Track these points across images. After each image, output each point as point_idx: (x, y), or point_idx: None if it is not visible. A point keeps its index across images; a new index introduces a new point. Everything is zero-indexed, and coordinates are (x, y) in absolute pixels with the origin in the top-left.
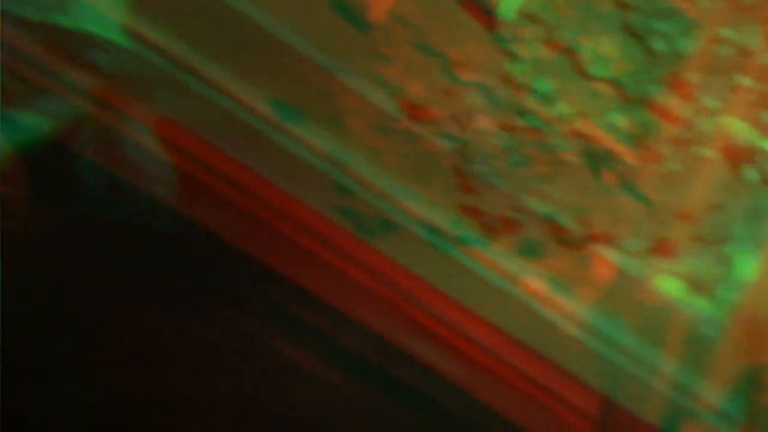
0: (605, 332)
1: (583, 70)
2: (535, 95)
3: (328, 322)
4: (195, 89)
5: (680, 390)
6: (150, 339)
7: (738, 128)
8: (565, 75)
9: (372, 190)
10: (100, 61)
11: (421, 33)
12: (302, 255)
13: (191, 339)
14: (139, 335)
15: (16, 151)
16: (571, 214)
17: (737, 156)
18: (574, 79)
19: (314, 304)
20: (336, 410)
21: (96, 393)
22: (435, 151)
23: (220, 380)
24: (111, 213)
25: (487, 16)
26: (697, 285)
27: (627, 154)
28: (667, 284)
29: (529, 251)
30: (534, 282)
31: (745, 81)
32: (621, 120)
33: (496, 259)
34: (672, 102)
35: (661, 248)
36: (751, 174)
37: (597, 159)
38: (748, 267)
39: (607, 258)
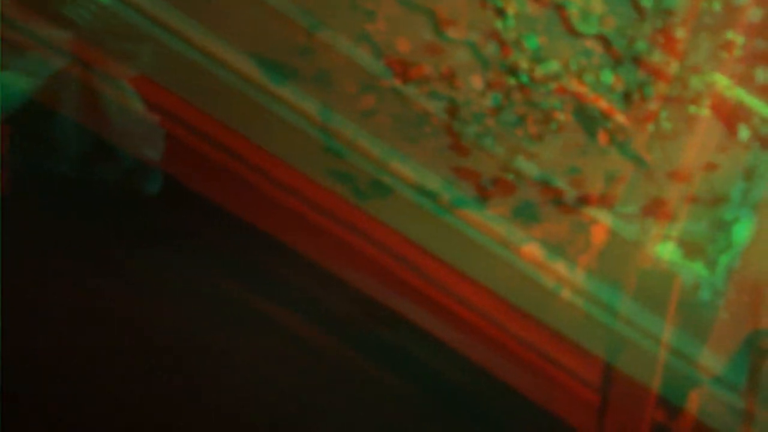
0: (602, 298)
1: (571, 26)
2: (523, 53)
3: (317, 284)
4: (176, 48)
5: (680, 356)
6: (133, 300)
7: (730, 87)
8: (553, 32)
9: (361, 152)
10: (79, 19)
11: None
12: (291, 217)
13: (175, 300)
14: (120, 296)
15: None
16: (565, 175)
17: (731, 115)
18: (562, 36)
19: (303, 266)
20: (322, 372)
21: (77, 347)
22: (425, 111)
23: (205, 342)
24: (93, 173)
25: None
26: (692, 249)
27: (619, 113)
28: (663, 248)
29: (524, 215)
30: (529, 247)
31: (735, 38)
32: (611, 78)
33: (490, 223)
34: (662, 59)
35: (655, 210)
36: (745, 134)
37: (589, 119)
38: (743, 230)
39: (603, 222)
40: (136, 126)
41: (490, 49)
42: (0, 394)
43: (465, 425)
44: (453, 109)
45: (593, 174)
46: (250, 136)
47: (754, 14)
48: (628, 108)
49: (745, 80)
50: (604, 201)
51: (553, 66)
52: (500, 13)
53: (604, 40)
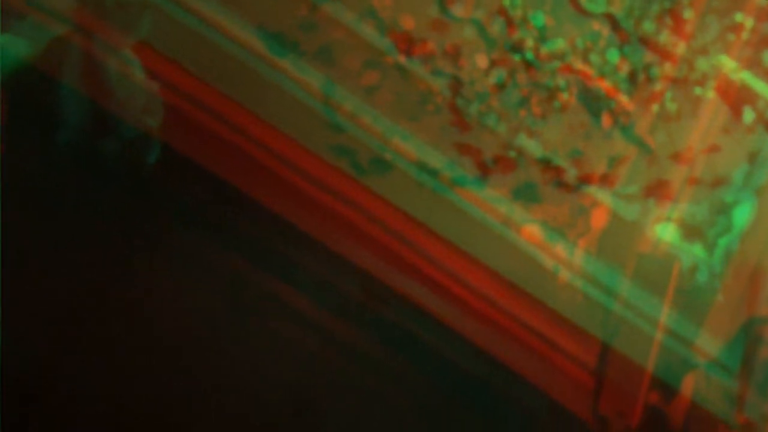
0: (601, 279)
1: (578, 5)
2: (529, 30)
3: (316, 261)
4: (178, 17)
5: (676, 338)
6: (131, 274)
7: (736, 70)
8: (560, 10)
9: (364, 128)
10: None
11: None
12: (291, 192)
13: (173, 277)
14: (118, 267)
15: None
16: (567, 156)
17: (736, 98)
18: (569, 15)
19: (303, 241)
20: (323, 347)
21: (77, 320)
22: (429, 89)
23: (205, 317)
24: (93, 141)
25: None
26: (692, 231)
27: (624, 93)
28: (663, 230)
29: (525, 196)
30: (530, 228)
31: (744, 20)
32: (617, 58)
33: (491, 203)
34: (669, 40)
35: (657, 191)
36: (750, 117)
37: (593, 99)
38: (744, 213)
39: (604, 204)
40: (137, 95)
41: (496, 26)
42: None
43: (461, 403)
44: (456, 86)
45: (596, 155)
46: (251, 108)
47: None
48: (634, 89)
49: (751, 63)
50: (606, 181)
51: (559, 44)
52: None
53: (612, 20)
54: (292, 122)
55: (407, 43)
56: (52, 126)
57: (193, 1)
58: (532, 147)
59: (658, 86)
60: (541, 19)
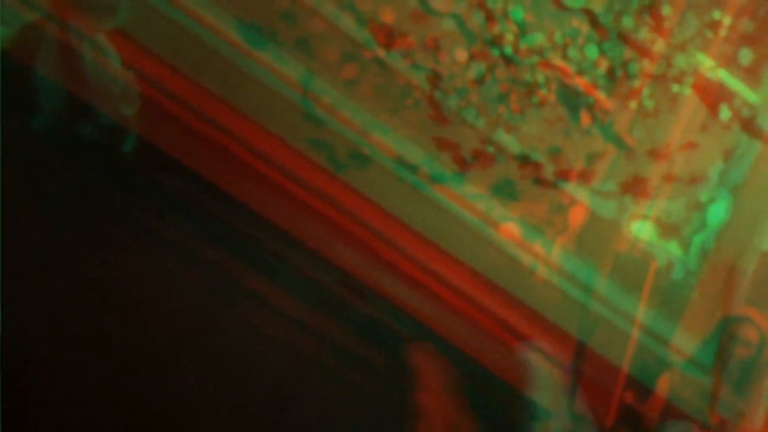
0: (578, 276)
1: (558, 0)
2: (509, 25)
3: (293, 255)
4: (156, 6)
5: (652, 336)
6: (107, 262)
7: (713, 68)
8: (539, 5)
9: (342, 122)
10: None
11: None
12: (268, 186)
13: (151, 266)
14: (95, 255)
15: None
16: (545, 151)
17: (713, 96)
18: (548, 10)
19: (280, 236)
20: (299, 342)
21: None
22: (408, 83)
23: (181, 308)
24: (68, 129)
25: None
26: (668, 228)
27: (602, 89)
28: (640, 228)
29: (503, 193)
30: (508, 225)
31: (722, 18)
32: (596, 53)
33: (470, 199)
34: (647, 37)
35: (634, 188)
36: (726, 115)
37: (571, 96)
38: (719, 211)
39: (581, 201)
40: (112, 83)
41: (476, 20)
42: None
43: None
44: (435, 80)
45: (574, 151)
46: (228, 100)
47: None
48: (612, 85)
49: (729, 61)
50: (584, 178)
51: (538, 39)
52: None
53: (591, 16)
54: (269, 115)
55: (387, 37)
56: (26, 112)
57: None
58: (511, 143)
59: (637, 83)
60: (520, 13)
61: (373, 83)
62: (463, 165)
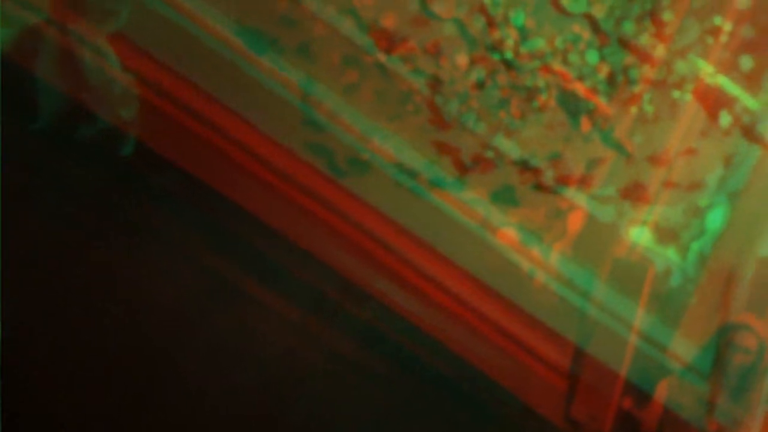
0: (576, 282)
1: (559, 5)
2: (509, 30)
3: (292, 261)
4: (156, 10)
5: (650, 342)
6: (103, 265)
7: (713, 73)
8: (541, 10)
9: (342, 127)
10: None
11: None
12: (267, 190)
13: (148, 268)
14: (92, 257)
15: None
16: (545, 157)
17: (714, 101)
18: (549, 15)
19: (279, 240)
20: (297, 348)
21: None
22: (409, 88)
23: (179, 313)
24: (66, 132)
25: None
26: (666, 234)
27: (602, 95)
28: (638, 233)
29: (503, 198)
30: (506, 231)
31: (723, 24)
32: (597, 59)
33: (470, 205)
34: (648, 42)
35: (633, 193)
36: (726, 121)
37: (572, 101)
38: (718, 217)
39: (580, 207)
40: (111, 86)
41: (477, 25)
42: None
43: (433, 405)
44: (436, 85)
45: (573, 157)
46: (227, 104)
47: (742, 1)
48: (612, 91)
49: (729, 67)
50: (583, 183)
51: (539, 44)
52: None
53: (592, 21)
54: (269, 119)
55: (388, 42)
56: (25, 115)
57: None
58: (511, 148)
59: (637, 88)
60: (521, 19)
61: (374, 88)
62: (463, 170)
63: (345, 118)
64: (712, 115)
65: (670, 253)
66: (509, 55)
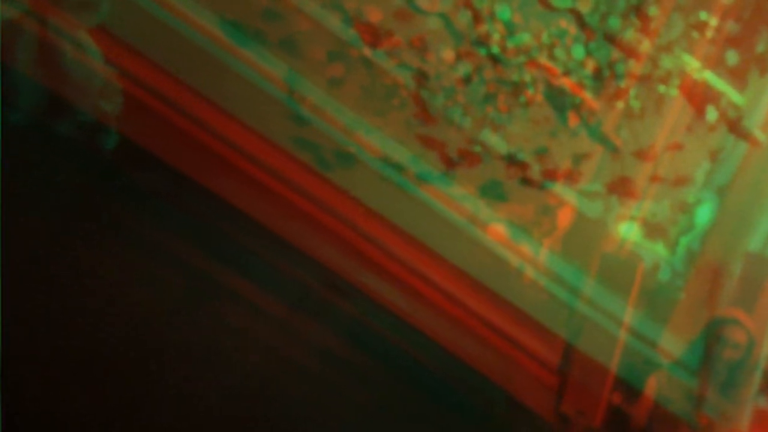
0: (565, 278)
1: (545, 0)
2: (495, 25)
3: (278, 255)
4: (139, 3)
5: (639, 337)
6: (85, 261)
7: (699, 69)
8: (526, 5)
9: (328, 121)
10: None
11: None
12: (252, 185)
13: (130, 265)
14: (72, 253)
15: None
16: (531, 151)
17: (700, 97)
18: (535, 10)
19: (264, 235)
20: (281, 342)
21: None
22: (394, 83)
23: (162, 308)
24: (48, 126)
25: None
26: (654, 229)
27: (589, 90)
28: (626, 229)
29: (490, 194)
30: (495, 226)
31: (708, 19)
32: (583, 54)
33: (457, 200)
34: (634, 37)
35: (620, 188)
36: (713, 116)
37: (558, 96)
38: (705, 212)
39: (569, 203)
40: (93, 80)
41: (463, 20)
42: None
43: (422, 402)
44: (422, 80)
45: (560, 152)
46: (212, 98)
47: None
48: (599, 85)
49: (715, 62)
50: (570, 178)
51: (525, 39)
52: None
53: (578, 15)
54: (254, 113)
55: (373, 36)
56: (6, 109)
57: None
58: (497, 143)
59: (623, 83)
60: (507, 13)
61: (359, 82)
62: (449, 165)
63: (331, 112)
64: (699, 111)
65: (659, 249)
66: (496, 49)
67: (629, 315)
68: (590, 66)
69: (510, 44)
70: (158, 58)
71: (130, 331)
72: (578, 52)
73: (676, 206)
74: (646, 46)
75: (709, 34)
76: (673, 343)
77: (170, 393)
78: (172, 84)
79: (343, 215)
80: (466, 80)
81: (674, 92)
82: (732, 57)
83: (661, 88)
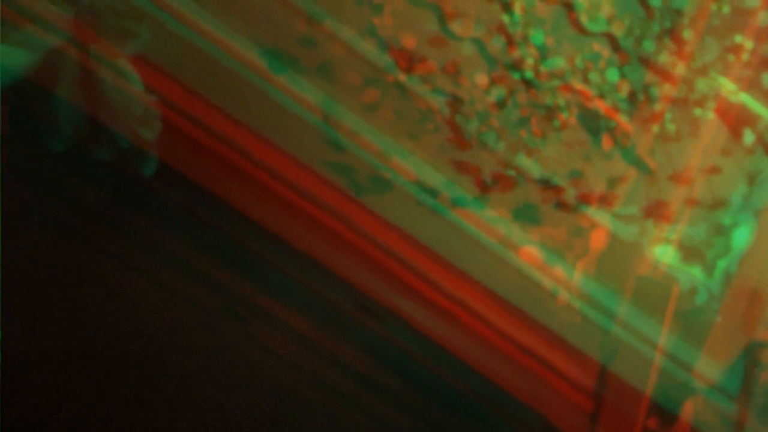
0: (600, 301)
1: (578, 23)
2: (529, 49)
3: (311, 279)
4: (175, 29)
5: (675, 361)
6: (122, 285)
7: (735, 91)
8: (560, 29)
9: (363, 146)
10: None
11: None
12: (286, 208)
13: (164, 288)
14: (112, 278)
15: None
16: (566, 175)
17: (736, 119)
18: (569, 34)
19: (299, 258)
20: (310, 362)
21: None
22: (429, 108)
23: (192, 330)
24: (88, 153)
25: None
26: (691, 253)
27: (623, 113)
28: (662, 252)
29: (524, 217)
30: (528, 249)
31: (744, 42)
32: (617, 77)
33: (491, 223)
34: (668, 60)
35: (656, 212)
36: (750, 138)
37: (592, 119)
38: (743, 235)
39: (602, 225)
40: (132, 107)
41: (496, 45)
42: None
43: (454, 424)
44: (456, 105)
45: (595, 175)
46: (249, 125)
47: (763, 18)
48: (633, 109)
49: (751, 85)
50: (605, 202)
51: (559, 63)
52: (507, 8)
53: (612, 39)
54: (290, 139)
55: (408, 61)
56: (48, 135)
57: (191, 14)
58: (531, 166)
59: (658, 106)
60: (540, 38)
61: (394, 108)
62: (483, 188)
63: (366, 138)
64: (735, 133)
65: (696, 272)
66: (529, 74)
67: (665, 338)
68: (624, 89)
69: (543, 68)
70: (196, 85)
71: (158, 348)
72: (612, 75)
73: (713, 229)
74: (680, 69)
75: (745, 56)
76: (710, 368)
77: (193, 410)
78: (209, 110)
79: (377, 239)
80: (500, 105)
81: (710, 115)
82: None
83: (697, 111)
